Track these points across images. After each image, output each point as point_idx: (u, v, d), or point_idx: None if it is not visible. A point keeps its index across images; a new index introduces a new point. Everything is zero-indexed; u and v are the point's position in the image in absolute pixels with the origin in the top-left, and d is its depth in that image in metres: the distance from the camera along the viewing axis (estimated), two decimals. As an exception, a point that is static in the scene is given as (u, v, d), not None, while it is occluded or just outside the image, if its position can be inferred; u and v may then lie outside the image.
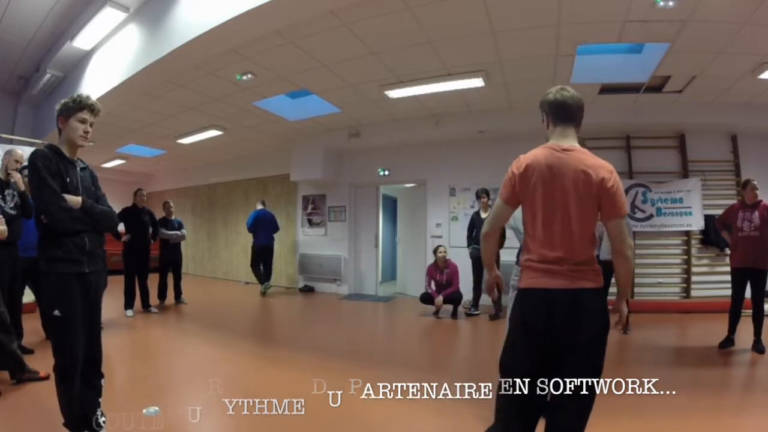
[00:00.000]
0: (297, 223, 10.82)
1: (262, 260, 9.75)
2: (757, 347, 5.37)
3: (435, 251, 7.52)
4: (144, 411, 3.17)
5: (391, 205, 11.91)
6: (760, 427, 3.65)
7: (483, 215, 7.35)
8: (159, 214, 8.03)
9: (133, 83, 6.18)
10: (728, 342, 5.60)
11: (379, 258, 10.30)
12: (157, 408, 3.25)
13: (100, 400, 2.82)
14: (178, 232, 7.97)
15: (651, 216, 8.10)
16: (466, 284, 7.71)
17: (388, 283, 11.20)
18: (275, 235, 9.92)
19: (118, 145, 10.48)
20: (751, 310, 5.47)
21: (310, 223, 10.58)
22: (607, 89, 7.04)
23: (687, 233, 8.14)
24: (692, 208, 7.97)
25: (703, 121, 7.67)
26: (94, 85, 6.75)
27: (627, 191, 8.09)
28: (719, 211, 7.52)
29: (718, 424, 3.75)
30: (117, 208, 7.05)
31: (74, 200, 2.60)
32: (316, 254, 10.35)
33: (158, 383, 4.24)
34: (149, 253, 7.17)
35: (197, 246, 12.66)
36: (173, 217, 8.08)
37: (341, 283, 10.16)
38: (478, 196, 7.39)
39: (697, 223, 7.99)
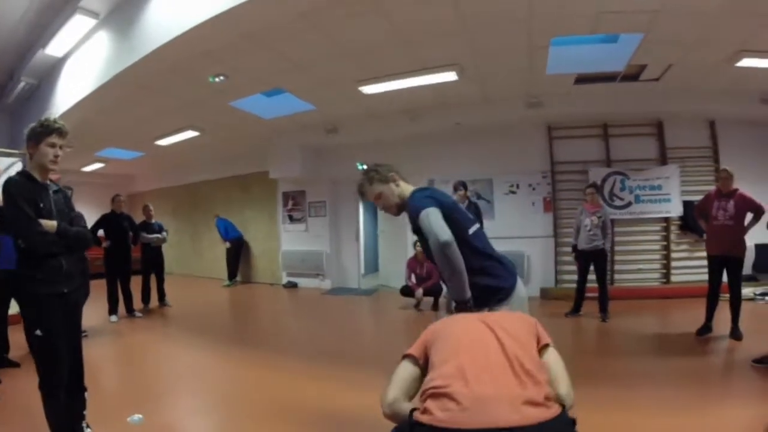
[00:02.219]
0: (278, 220, 10.77)
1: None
2: (735, 334, 5.41)
3: (415, 245, 7.50)
4: (128, 419, 3.19)
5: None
6: (735, 418, 3.66)
7: None
8: (140, 217, 7.95)
9: (107, 90, 6.07)
10: (706, 329, 5.66)
11: (361, 251, 10.34)
12: (140, 416, 3.24)
13: (85, 412, 2.91)
14: (158, 235, 7.88)
15: (629, 203, 8.15)
16: (444, 278, 7.70)
17: (371, 275, 11.19)
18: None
19: (97, 149, 10.34)
20: (728, 297, 5.52)
21: (291, 219, 10.54)
22: (583, 79, 7.01)
23: (666, 219, 8.20)
24: (671, 195, 8.03)
25: (680, 109, 7.69)
26: (68, 92, 6.68)
27: (605, 179, 8.14)
28: (698, 197, 7.58)
29: (692, 416, 3.76)
30: (98, 214, 7.18)
31: (49, 225, 2.66)
32: (297, 250, 10.35)
33: (143, 390, 4.23)
34: (130, 257, 7.11)
35: (181, 246, 12.54)
36: (153, 220, 7.97)
37: (324, 278, 10.19)
38: (455, 189, 7.36)
39: (675, 210, 8.06)
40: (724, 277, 5.54)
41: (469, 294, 2.36)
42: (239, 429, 3.60)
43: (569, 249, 7.25)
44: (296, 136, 9.40)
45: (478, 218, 7.23)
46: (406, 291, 7.67)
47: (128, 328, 6.62)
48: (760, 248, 7.16)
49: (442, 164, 8.92)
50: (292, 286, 10.42)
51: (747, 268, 7.47)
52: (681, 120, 7.99)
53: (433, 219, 2.36)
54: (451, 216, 2.44)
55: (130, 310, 7.12)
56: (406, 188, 2.70)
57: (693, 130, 8.08)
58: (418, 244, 7.32)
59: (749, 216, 5.33)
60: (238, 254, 10.99)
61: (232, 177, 11.49)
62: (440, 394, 1.53)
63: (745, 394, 4.18)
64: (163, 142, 9.54)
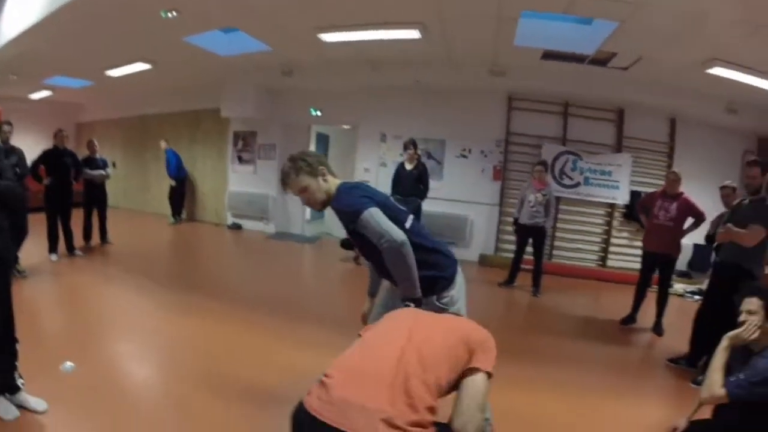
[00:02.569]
0: (227, 160, 10.41)
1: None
2: (657, 329, 5.56)
3: None
4: (60, 367, 3.12)
5: (323, 143, 11.73)
6: (640, 415, 3.77)
7: (408, 167, 7.22)
8: (85, 151, 7.58)
9: (55, 19, 5.73)
10: (630, 319, 5.81)
11: None
12: (72, 364, 3.16)
13: (17, 363, 2.83)
14: (102, 172, 7.48)
15: (578, 184, 8.21)
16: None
17: (316, 221, 11.14)
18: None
19: (44, 77, 9.68)
20: (657, 291, 5.64)
21: (240, 160, 10.21)
22: (550, 55, 6.84)
23: (611, 206, 8.31)
24: (620, 183, 8.10)
25: (644, 101, 7.67)
26: (14, 20, 6.44)
27: (557, 157, 8.14)
28: (646, 189, 7.74)
29: (600, 406, 3.86)
30: (44, 142, 7.00)
31: None
32: (245, 192, 10.12)
33: (78, 336, 4.16)
34: (72, 195, 6.75)
35: (128, 179, 12.01)
36: (98, 156, 7.56)
37: (268, 222, 10.07)
38: (405, 147, 7.23)
39: (622, 197, 8.16)
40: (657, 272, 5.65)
41: (420, 292, 2.33)
42: (173, 377, 3.64)
43: (512, 219, 7.27)
44: (251, 75, 8.98)
45: (422, 181, 7.25)
46: (347, 244, 7.61)
47: (68, 268, 6.38)
48: (698, 248, 7.38)
49: (397, 120, 8.80)
50: (237, 227, 10.25)
51: (683, 265, 7.74)
52: (642, 111, 7.97)
53: (381, 219, 2.26)
54: (387, 213, 2.33)
55: (70, 249, 6.82)
56: (333, 183, 2.51)
57: (653, 123, 8.10)
58: None
59: (690, 221, 5.39)
60: (183, 193, 10.63)
61: (183, 112, 10.92)
62: (323, 382, 1.56)
63: (655, 392, 4.30)
64: (113, 72, 8.97)
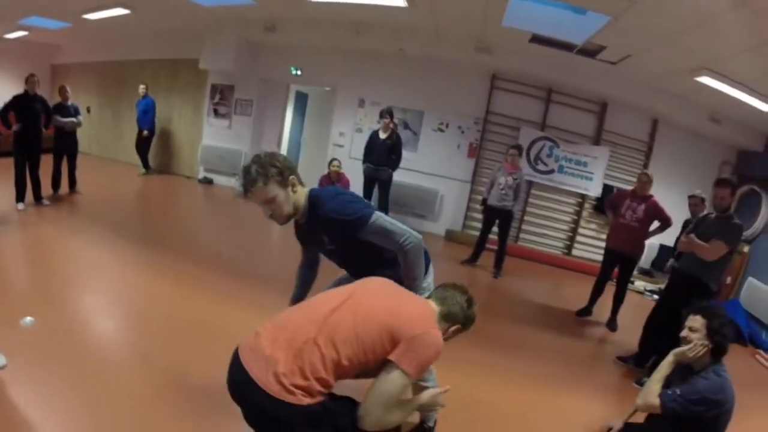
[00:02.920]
0: (203, 112, 10.12)
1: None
2: (611, 325, 5.62)
3: (329, 163, 7.29)
4: (20, 322, 3.05)
5: (302, 102, 11.52)
6: (580, 411, 3.79)
7: (381, 136, 7.12)
8: (57, 97, 7.27)
9: None
10: (586, 311, 5.85)
11: None
12: (32, 318, 3.09)
13: None
14: (73, 119, 7.20)
15: (552, 171, 8.19)
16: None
17: None
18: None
19: (20, 17, 9.26)
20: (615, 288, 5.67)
21: (216, 113, 9.92)
22: (539, 39, 6.69)
23: (583, 196, 8.32)
24: (594, 175, 8.09)
25: (628, 98, 7.62)
26: None
27: (534, 141, 8.10)
28: (620, 185, 7.77)
29: (542, 397, 3.90)
30: (18, 81, 6.65)
31: None
32: (218, 146, 9.87)
33: (41, 289, 4.12)
34: (41, 142, 6.53)
35: (102, 126, 11.64)
36: (69, 102, 7.28)
37: (240, 178, 9.74)
38: (381, 116, 7.11)
39: (594, 190, 8.15)
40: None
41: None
42: (133, 333, 3.68)
43: (481, 200, 7.23)
44: (233, 28, 8.68)
45: (395, 151, 7.19)
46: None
47: (35, 218, 6.21)
48: (663, 249, 7.36)
49: (377, 86, 8.66)
50: (208, 182, 10.05)
51: (646, 263, 7.82)
52: (625, 108, 7.90)
53: (392, 220, 2.20)
54: None
55: (38, 198, 6.62)
56: (302, 193, 2.27)
57: (634, 120, 8.03)
58: (334, 161, 7.16)
59: (656, 224, 5.37)
60: (149, 144, 10.22)
61: (161, 60, 10.46)
62: (258, 331, 1.79)
63: (599, 388, 4.31)
64: (91, 16, 8.63)
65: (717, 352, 2.54)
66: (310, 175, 9.58)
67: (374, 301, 1.85)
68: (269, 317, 1.85)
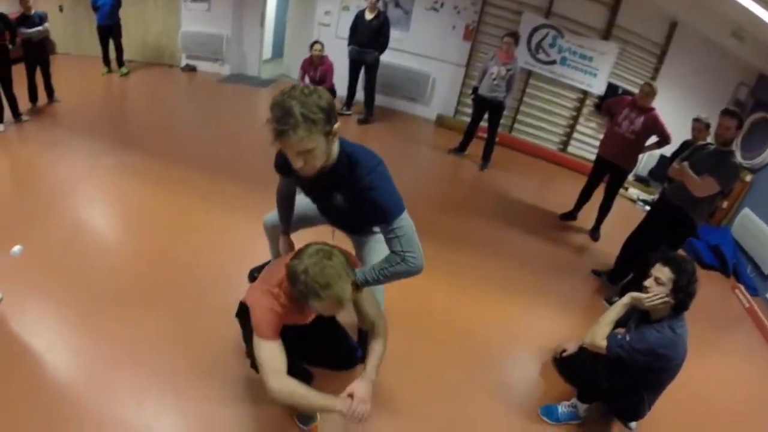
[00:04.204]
0: (180, -3, 9.38)
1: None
2: (593, 234, 5.46)
3: (311, 46, 6.81)
4: (9, 252, 2.96)
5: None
6: (546, 322, 3.76)
7: (368, 17, 6.75)
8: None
9: None
10: (570, 216, 5.71)
11: (263, 39, 9.59)
12: (20, 246, 3.00)
13: None
14: (39, 28, 6.65)
15: (554, 62, 7.62)
16: (341, 81, 7.39)
17: (274, 61, 10.60)
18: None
19: None
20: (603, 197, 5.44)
21: (193, -4, 9.22)
22: None
23: (585, 93, 7.77)
24: (599, 72, 7.49)
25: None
26: None
27: (537, 29, 7.47)
28: (625, 86, 7.29)
29: (510, 305, 3.86)
30: None
31: None
32: (198, 32, 9.18)
33: (27, 213, 4.06)
34: (9, 59, 6.10)
35: (78, 23, 10.86)
36: (33, 11, 6.69)
37: (224, 63, 9.43)
38: None
39: (598, 87, 7.59)
40: None
41: None
42: (126, 249, 3.75)
43: (471, 88, 6.80)
44: None
45: (382, 33, 6.84)
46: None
47: (16, 137, 5.93)
48: (663, 159, 6.82)
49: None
50: (191, 69, 9.54)
51: (644, 171, 7.45)
52: (643, 4, 7.02)
53: (413, 230, 1.99)
54: None
55: (16, 115, 6.29)
56: (335, 144, 1.90)
57: (651, 20, 7.11)
58: (316, 45, 6.75)
59: (653, 138, 4.95)
60: (108, 37, 9.08)
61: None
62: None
63: (569, 301, 4.18)
64: None
65: (678, 307, 2.41)
66: (295, 54, 9.27)
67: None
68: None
